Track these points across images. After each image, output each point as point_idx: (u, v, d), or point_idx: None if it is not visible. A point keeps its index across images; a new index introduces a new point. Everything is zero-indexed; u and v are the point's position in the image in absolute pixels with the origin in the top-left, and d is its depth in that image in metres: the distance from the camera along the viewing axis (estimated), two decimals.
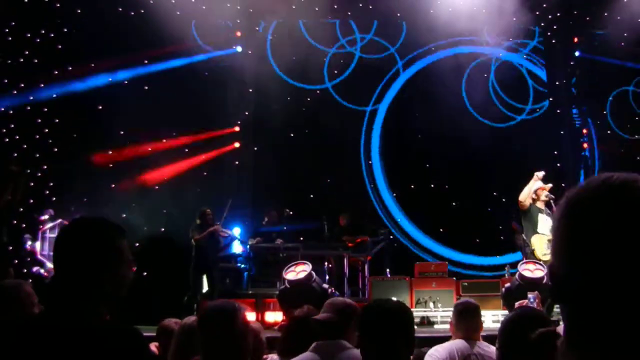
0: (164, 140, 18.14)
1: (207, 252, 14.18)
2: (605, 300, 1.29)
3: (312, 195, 18.92)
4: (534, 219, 12.23)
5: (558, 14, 20.47)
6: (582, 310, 1.34)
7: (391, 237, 16.19)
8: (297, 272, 10.58)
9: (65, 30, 16.92)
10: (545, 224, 12.14)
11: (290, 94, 18.38)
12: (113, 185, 16.87)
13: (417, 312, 13.00)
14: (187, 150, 18.49)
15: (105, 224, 2.84)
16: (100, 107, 16.90)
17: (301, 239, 16.01)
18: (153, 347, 5.96)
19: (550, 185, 12.77)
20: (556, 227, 1.41)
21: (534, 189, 12.48)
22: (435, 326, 12.94)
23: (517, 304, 6.78)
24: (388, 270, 15.86)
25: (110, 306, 2.93)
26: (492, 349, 5.57)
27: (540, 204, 12.33)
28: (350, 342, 4.60)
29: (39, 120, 16.36)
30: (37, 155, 15.95)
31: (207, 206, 15.02)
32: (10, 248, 14.77)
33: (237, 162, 19.64)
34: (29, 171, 14.64)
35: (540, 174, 12.59)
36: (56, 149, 16.40)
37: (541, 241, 12.11)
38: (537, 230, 12.12)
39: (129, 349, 2.56)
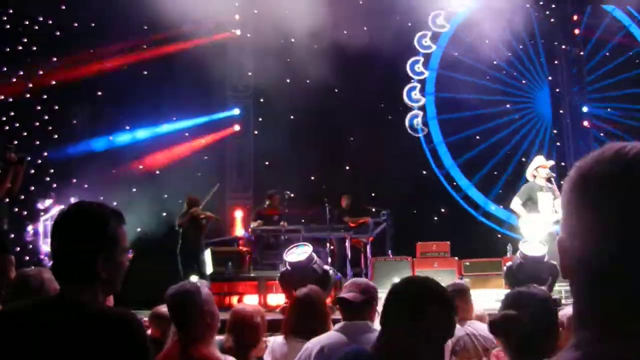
0: (164, 125, 18.16)
1: (189, 236, 14.27)
2: (619, 274, 1.25)
3: (312, 177, 18.95)
4: (533, 197, 12.29)
5: None
6: (596, 287, 1.30)
7: (388, 218, 16.15)
8: (298, 254, 10.58)
9: (64, 16, 16.90)
10: (545, 201, 12.18)
11: (291, 75, 18.35)
12: (114, 171, 16.89)
13: None
14: (187, 134, 18.51)
15: (102, 209, 2.84)
16: (100, 93, 16.89)
17: (302, 221, 16.04)
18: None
19: (551, 162, 12.82)
20: (567, 200, 1.37)
21: (535, 166, 12.53)
22: None
23: None
24: (390, 251, 15.89)
25: (108, 292, 2.94)
26: (484, 327, 5.60)
27: (540, 181, 12.37)
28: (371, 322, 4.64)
29: (39, 108, 16.36)
30: (37, 143, 15.96)
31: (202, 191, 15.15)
32: (12, 236, 14.79)
33: (238, 142, 19.68)
34: (29, 158, 14.65)
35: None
36: (56, 136, 16.42)
37: (528, 226, 12.22)
38: (537, 208, 12.18)
39: (125, 333, 2.57)
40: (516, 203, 12.47)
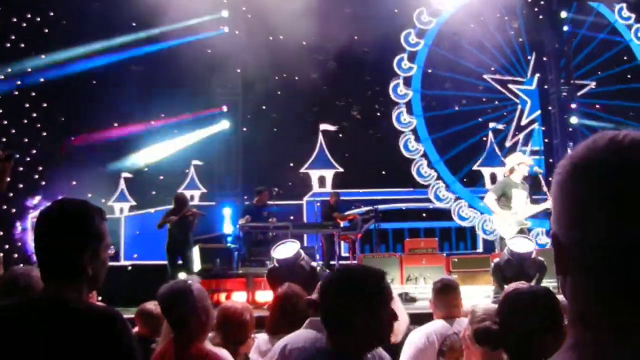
0: (153, 122, 18.15)
1: (175, 234, 14.20)
2: (618, 267, 1.20)
3: (301, 174, 19.02)
4: (508, 193, 12.22)
5: None
6: (594, 282, 1.25)
7: (380, 214, 16.16)
8: (286, 250, 10.58)
9: (52, 14, 16.89)
10: (519, 197, 12.13)
11: (279, 73, 18.37)
12: (102, 168, 16.91)
13: (397, 289, 12.99)
14: (175, 131, 18.51)
15: (86, 206, 2.85)
16: (88, 91, 16.89)
17: (291, 217, 16.06)
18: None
19: (531, 160, 12.81)
20: (560, 191, 1.31)
21: (517, 162, 12.46)
22: (418, 303, 12.90)
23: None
24: (378, 247, 15.93)
25: (92, 288, 2.95)
26: None
27: (516, 177, 12.29)
28: None
29: (27, 105, 16.34)
30: (26, 140, 15.94)
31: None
32: (0, 233, 14.79)
33: (226, 139, 19.66)
34: (17, 156, 14.62)
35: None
36: (45, 133, 16.40)
37: (502, 222, 12.19)
38: (510, 204, 12.13)
39: (111, 331, 2.57)
40: (490, 198, 12.36)
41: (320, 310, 3.32)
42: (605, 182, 1.23)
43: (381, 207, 17.00)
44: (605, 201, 1.22)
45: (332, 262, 14.94)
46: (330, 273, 3.51)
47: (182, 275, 12.62)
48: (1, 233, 15.19)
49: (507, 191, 12.19)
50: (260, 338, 5.40)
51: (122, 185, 18.29)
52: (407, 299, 12.87)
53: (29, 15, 16.67)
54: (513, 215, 12.02)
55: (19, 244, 15.39)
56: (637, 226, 1.20)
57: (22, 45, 16.37)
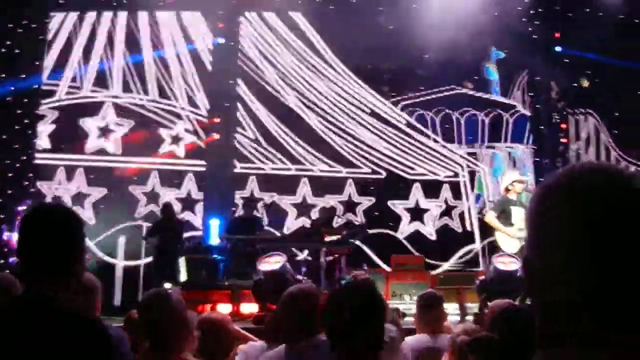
0: (144, 131, 18.13)
1: (163, 242, 14.10)
2: (595, 290, 1.22)
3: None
4: (507, 210, 12.26)
5: (539, 9, 20.53)
6: (565, 304, 1.26)
7: (367, 230, 16.11)
8: (271, 263, 10.63)
9: (47, 20, 16.96)
10: (518, 214, 12.16)
11: (273, 85, 18.39)
12: (92, 176, 16.91)
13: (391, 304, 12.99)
14: (167, 141, 18.49)
15: (68, 211, 2.91)
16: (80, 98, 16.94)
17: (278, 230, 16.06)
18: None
19: (527, 178, 12.84)
20: (535, 218, 1.33)
21: (511, 180, 12.52)
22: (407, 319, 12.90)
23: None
24: (364, 263, 15.89)
25: (74, 287, 2.99)
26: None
27: (512, 195, 12.35)
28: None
29: (19, 111, 16.34)
30: (17, 146, 15.95)
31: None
32: None
33: (217, 154, 19.60)
34: (8, 162, 14.67)
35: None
36: (35, 140, 16.42)
37: (505, 239, 12.19)
38: (511, 221, 12.15)
39: (95, 338, 2.61)
40: (491, 216, 12.43)
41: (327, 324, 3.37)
42: (585, 207, 1.25)
43: None
44: (583, 226, 1.24)
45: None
46: (337, 288, 3.58)
47: (167, 285, 12.63)
48: None
49: (505, 208, 12.25)
50: (250, 346, 5.34)
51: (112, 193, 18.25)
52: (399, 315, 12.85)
53: (26, 22, 16.69)
54: (517, 232, 12.03)
55: (6, 249, 15.33)
56: (614, 249, 1.22)
57: (17, 51, 16.37)
